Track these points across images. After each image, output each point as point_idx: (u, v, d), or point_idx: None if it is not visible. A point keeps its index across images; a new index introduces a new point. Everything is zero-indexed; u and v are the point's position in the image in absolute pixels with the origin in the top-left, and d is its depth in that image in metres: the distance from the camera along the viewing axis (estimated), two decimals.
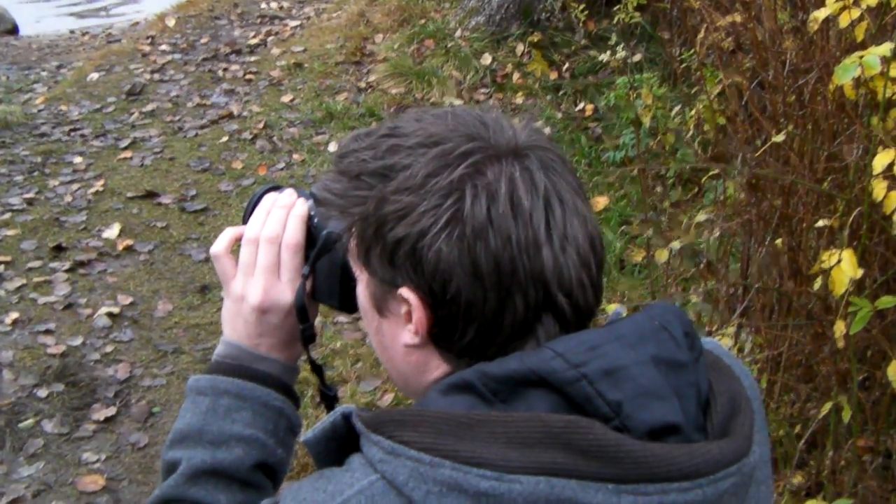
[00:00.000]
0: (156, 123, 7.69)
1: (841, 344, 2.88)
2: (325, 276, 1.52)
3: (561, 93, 7.69)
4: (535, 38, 7.88)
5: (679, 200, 5.82)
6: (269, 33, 9.66)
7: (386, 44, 8.65)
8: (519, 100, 7.81)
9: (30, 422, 4.58)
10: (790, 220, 3.66)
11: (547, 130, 7.15)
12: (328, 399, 1.64)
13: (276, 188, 1.63)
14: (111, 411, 4.68)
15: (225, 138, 7.44)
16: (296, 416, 1.60)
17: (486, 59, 8.07)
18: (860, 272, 2.71)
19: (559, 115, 7.42)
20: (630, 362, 1.12)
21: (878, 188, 2.73)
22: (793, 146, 3.63)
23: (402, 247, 1.17)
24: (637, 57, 7.11)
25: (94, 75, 8.68)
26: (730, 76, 4.21)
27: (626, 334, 1.16)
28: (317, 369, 1.64)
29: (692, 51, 5.60)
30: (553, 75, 7.82)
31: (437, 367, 1.25)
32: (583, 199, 1.22)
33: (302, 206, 1.56)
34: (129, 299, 5.54)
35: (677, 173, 6.01)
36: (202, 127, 7.64)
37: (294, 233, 1.54)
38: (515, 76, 7.95)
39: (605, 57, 6.21)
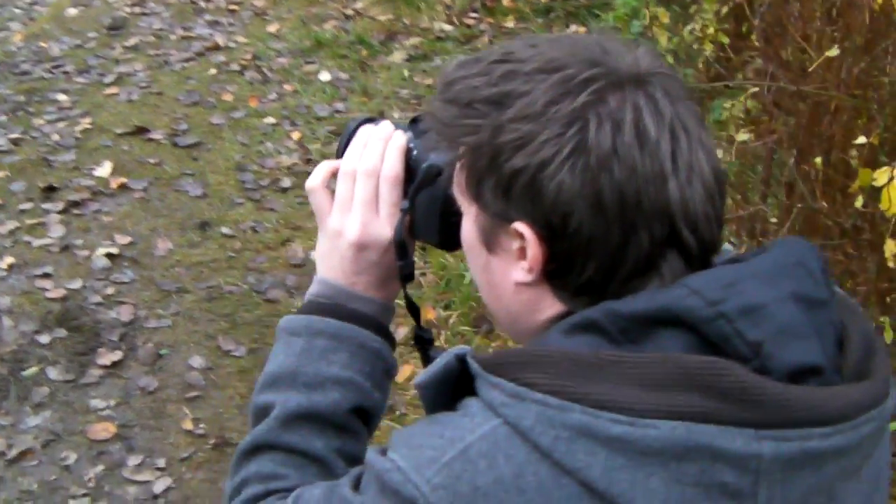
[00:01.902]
0: (140, 58, 7.46)
1: (892, 263, 2.84)
2: (424, 210, 1.45)
3: (557, 14, 7.52)
4: None
5: None
6: None
7: None
8: (510, 24, 7.64)
9: (33, 370, 4.44)
10: (822, 137, 3.58)
11: None
12: (423, 342, 1.56)
13: (371, 120, 1.55)
14: (117, 355, 4.55)
15: (213, 70, 7.24)
16: (392, 359, 1.54)
17: None
18: None
19: None
20: (769, 299, 1.07)
21: None
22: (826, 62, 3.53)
23: (519, 178, 1.12)
24: None
25: (72, 10, 8.43)
26: None
27: (763, 270, 1.11)
28: (413, 310, 1.55)
29: None
30: None
31: (550, 306, 1.20)
32: (706, 130, 1.17)
33: (400, 138, 1.48)
34: (127, 239, 5.38)
35: None
36: (188, 60, 7.42)
37: (393, 165, 1.47)
38: None
39: None
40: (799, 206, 3.49)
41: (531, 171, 1.11)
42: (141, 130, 6.42)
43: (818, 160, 3.42)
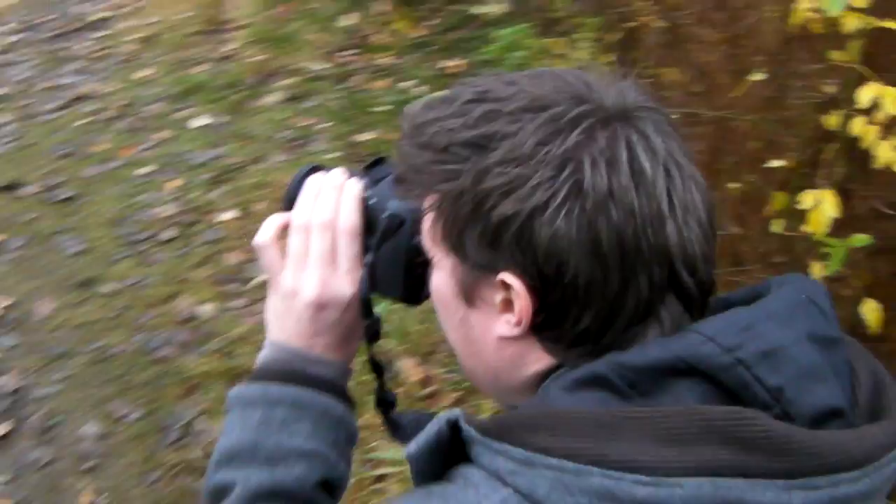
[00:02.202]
0: (7, 109, 7.25)
1: None
2: (386, 263, 1.38)
3: (433, 48, 7.46)
4: None
5: None
6: (117, 6, 9.18)
7: (242, 10, 8.31)
8: (387, 60, 7.56)
9: None
10: (731, 161, 3.60)
11: (421, 90, 6.94)
12: (385, 404, 1.50)
13: (320, 168, 1.46)
14: (5, 427, 4.33)
15: (84, 120, 7.02)
16: (354, 425, 1.48)
17: (352, 18, 7.81)
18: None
19: (430, 73, 7.18)
20: (788, 342, 1.03)
21: (864, 129, 2.69)
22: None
23: (509, 226, 1.06)
24: (504, 7, 6.95)
25: None
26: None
27: (777, 311, 1.07)
28: (378, 370, 1.49)
29: None
30: (420, 31, 7.61)
31: (536, 360, 1.14)
32: (694, 164, 1.12)
33: (355, 186, 1.40)
34: (6, 302, 5.17)
35: None
36: (60, 109, 7.20)
37: (351, 216, 1.39)
38: (381, 35, 7.71)
39: (477, 9, 6.06)
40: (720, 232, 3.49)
41: (522, 218, 1.05)
42: (13, 186, 6.22)
43: (734, 185, 3.42)
